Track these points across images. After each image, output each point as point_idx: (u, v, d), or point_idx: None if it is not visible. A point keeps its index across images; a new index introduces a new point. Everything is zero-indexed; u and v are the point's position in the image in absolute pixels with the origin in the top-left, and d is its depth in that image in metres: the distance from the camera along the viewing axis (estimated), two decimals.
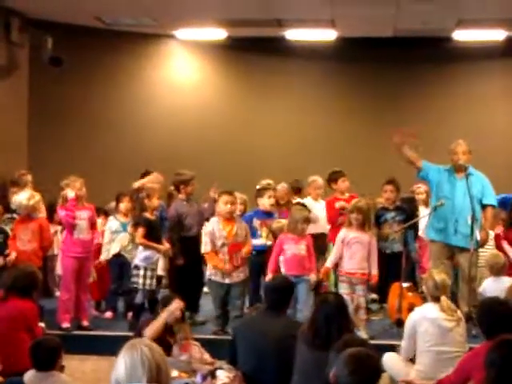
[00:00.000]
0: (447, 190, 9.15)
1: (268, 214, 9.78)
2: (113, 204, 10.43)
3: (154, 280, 9.01)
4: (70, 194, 9.07)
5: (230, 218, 8.86)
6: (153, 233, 9.11)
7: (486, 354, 4.65)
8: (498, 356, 4.54)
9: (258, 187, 10.13)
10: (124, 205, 9.88)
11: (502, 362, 4.47)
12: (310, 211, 9.44)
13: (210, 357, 7.07)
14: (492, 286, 8.56)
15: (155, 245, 9.06)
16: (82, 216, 9.08)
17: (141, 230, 9.09)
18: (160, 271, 9.10)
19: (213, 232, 8.78)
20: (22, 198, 9.07)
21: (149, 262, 9.01)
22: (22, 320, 6.94)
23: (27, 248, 8.96)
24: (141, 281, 8.98)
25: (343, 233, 8.97)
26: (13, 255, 8.81)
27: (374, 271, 8.90)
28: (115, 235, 9.89)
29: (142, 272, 8.98)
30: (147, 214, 9.17)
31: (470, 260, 8.69)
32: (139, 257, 9.08)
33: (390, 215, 10.06)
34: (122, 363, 3.86)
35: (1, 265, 8.95)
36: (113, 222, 9.96)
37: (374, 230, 10.20)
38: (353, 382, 4.19)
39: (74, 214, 9.01)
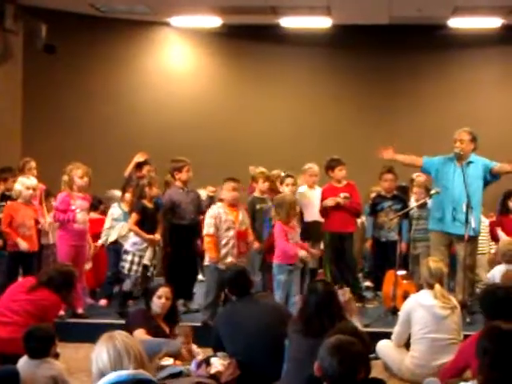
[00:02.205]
0: (446, 178, 9.12)
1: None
2: (110, 192, 10.42)
3: (141, 267, 8.99)
4: (77, 181, 9.09)
5: (234, 205, 8.78)
6: (147, 220, 9.08)
7: (477, 342, 4.65)
8: (489, 343, 4.53)
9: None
10: (129, 195, 9.83)
11: (494, 350, 4.47)
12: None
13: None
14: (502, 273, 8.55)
15: (144, 234, 9.01)
16: (79, 205, 9.05)
17: (134, 216, 9.09)
18: (146, 261, 9.03)
19: (218, 215, 8.67)
20: (26, 185, 9.09)
21: (136, 248, 8.99)
22: (41, 309, 6.96)
23: (31, 233, 9.05)
24: (127, 266, 8.99)
25: None
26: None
27: None
28: (115, 222, 9.85)
29: (130, 257, 8.99)
30: (145, 202, 9.15)
31: (465, 248, 8.67)
32: (129, 242, 9.12)
33: (386, 204, 10.07)
34: (104, 353, 3.94)
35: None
36: (115, 209, 9.94)
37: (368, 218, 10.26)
38: (338, 370, 4.19)
39: (66, 208, 9.02)
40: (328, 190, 9.98)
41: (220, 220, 8.64)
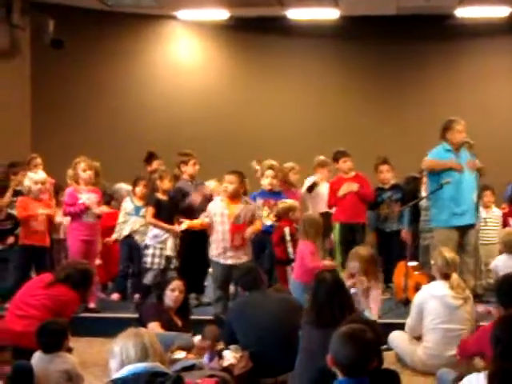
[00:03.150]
0: (453, 171, 8.96)
1: (271, 194, 9.66)
2: (117, 186, 10.44)
3: (163, 259, 8.99)
4: (81, 174, 9.11)
5: (235, 198, 8.75)
6: (162, 213, 9.07)
7: (491, 331, 4.65)
8: (502, 332, 4.53)
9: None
10: (140, 189, 9.82)
11: (507, 339, 4.46)
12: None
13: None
14: (505, 263, 8.53)
15: (164, 224, 9.03)
16: (86, 199, 9.06)
17: (150, 209, 9.10)
18: (169, 251, 9.05)
19: (213, 208, 8.70)
20: (34, 180, 9.12)
21: (157, 240, 9.00)
22: (59, 304, 6.97)
23: (42, 228, 9.07)
24: (149, 259, 9.00)
25: None
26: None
27: None
28: (128, 217, 9.86)
29: (151, 251, 9.01)
30: (159, 195, 9.16)
31: (476, 235, 8.68)
32: (149, 235, 9.12)
33: (386, 195, 10.08)
34: (131, 347, 4.09)
35: (12, 243, 9.18)
36: (128, 204, 9.90)
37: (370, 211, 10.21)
38: (351, 358, 4.20)
39: (73, 201, 9.04)
40: (336, 182, 9.98)
41: (215, 213, 8.64)
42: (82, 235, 9.04)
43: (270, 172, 9.64)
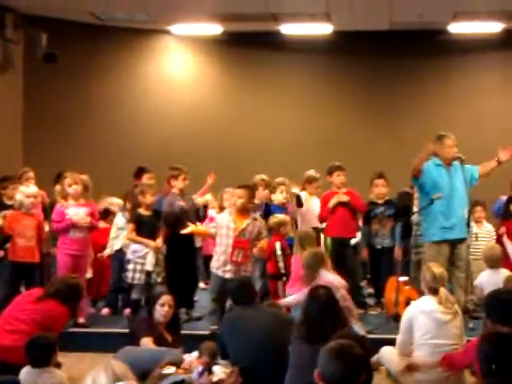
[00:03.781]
0: (446, 185, 8.92)
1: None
2: (108, 200, 10.41)
3: (144, 275, 8.96)
4: (69, 189, 9.10)
5: (244, 213, 8.74)
6: (144, 228, 9.07)
7: (477, 347, 4.64)
8: (490, 349, 4.52)
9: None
10: (129, 204, 9.81)
11: (494, 356, 4.45)
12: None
13: None
14: (489, 279, 8.52)
15: (143, 239, 9.02)
16: (74, 214, 9.04)
17: (130, 226, 9.14)
18: (149, 266, 9.00)
19: (220, 221, 8.74)
20: (26, 193, 9.09)
21: (136, 255, 8.98)
22: (48, 319, 6.95)
23: (31, 244, 9.02)
24: (130, 275, 9.00)
25: None
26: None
27: None
28: (120, 232, 9.84)
29: (131, 266, 9.01)
30: (141, 210, 9.14)
31: (467, 249, 8.67)
32: (129, 250, 9.11)
33: (379, 210, 10.06)
34: (102, 376, 3.91)
35: (0, 258, 9.06)
36: (120, 219, 9.90)
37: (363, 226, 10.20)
38: (339, 373, 4.16)
39: (61, 218, 9.04)
40: (328, 196, 9.98)
41: (221, 225, 8.68)
42: (69, 250, 9.03)
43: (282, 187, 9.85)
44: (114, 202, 10.48)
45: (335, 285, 7.38)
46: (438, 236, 8.86)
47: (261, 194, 9.92)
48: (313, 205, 10.14)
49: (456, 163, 8.97)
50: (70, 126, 13.66)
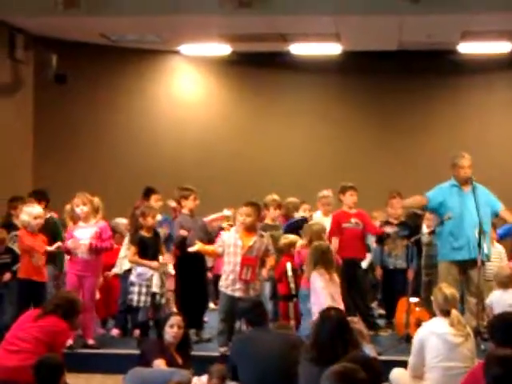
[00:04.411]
0: (456, 205, 9.04)
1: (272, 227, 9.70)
2: (115, 221, 10.38)
3: (149, 297, 8.91)
4: (76, 209, 9.15)
5: (251, 230, 8.73)
6: (147, 250, 9.03)
7: (485, 367, 4.61)
8: (496, 371, 4.49)
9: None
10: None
11: (500, 377, 4.44)
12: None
13: None
14: (499, 299, 8.49)
15: (146, 262, 8.95)
16: (84, 236, 9.05)
17: (132, 249, 9.09)
18: (155, 288, 8.97)
19: (228, 239, 8.73)
20: (33, 215, 9.10)
21: (142, 278, 8.92)
22: (50, 335, 6.94)
23: (39, 264, 9.01)
24: (135, 297, 8.92)
25: None
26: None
27: None
28: (129, 252, 9.79)
29: (136, 289, 8.93)
30: (142, 232, 9.11)
31: (479, 273, 8.60)
32: (134, 273, 9.04)
33: (392, 230, 10.02)
34: None
35: (8, 279, 9.08)
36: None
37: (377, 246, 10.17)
38: None
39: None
40: (338, 215, 9.96)
41: (229, 244, 8.65)
42: (75, 270, 9.07)
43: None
44: (120, 223, 10.46)
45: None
46: (447, 256, 9.05)
47: (272, 214, 9.91)
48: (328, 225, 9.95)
49: (475, 184, 9.01)
50: (79, 146, 13.68)
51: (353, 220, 9.85)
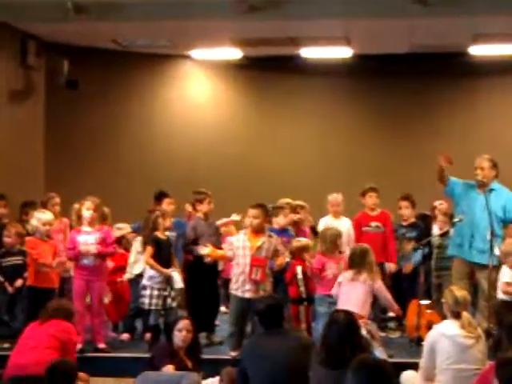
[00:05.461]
0: (467, 205, 9.11)
1: (282, 232, 9.65)
2: (117, 226, 10.40)
3: (161, 300, 8.93)
4: (86, 213, 9.17)
5: (258, 232, 8.75)
6: (162, 252, 9.05)
7: (495, 370, 4.61)
8: (508, 373, 4.49)
9: (272, 205, 10.01)
10: None
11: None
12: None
13: None
14: None
15: (160, 268, 8.98)
16: (89, 241, 9.10)
17: (149, 249, 9.05)
18: (176, 285, 8.99)
19: (237, 241, 8.77)
20: (42, 221, 9.16)
21: (154, 281, 8.95)
22: (61, 330, 7.17)
23: (49, 271, 9.12)
24: (147, 301, 8.94)
25: None
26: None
27: None
28: (140, 256, 9.83)
29: (148, 292, 8.95)
30: (158, 234, 9.14)
31: (488, 277, 8.57)
32: (145, 276, 9.06)
33: (401, 231, 10.02)
34: None
35: (20, 285, 9.11)
36: (139, 243, 9.91)
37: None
38: None
39: (73, 245, 9.17)
40: (360, 218, 10.01)
41: (238, 246, 8.69)
42: (82, 275, 9.12)
43: (286, 211, 9.76)
44: (121, 227, 10.48)
45: None
46: (451, 250, 9.31)
47: (287, 218, 9.88)
48: (340, 226, 9.87)
49: (496, 187, 9.04)
50: (92, 151, 13.69)
51: (373, 224, 9.86)
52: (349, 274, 8.45)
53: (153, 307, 8.92)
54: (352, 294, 8.31)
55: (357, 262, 8.48)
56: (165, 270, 8.96)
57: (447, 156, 9.09)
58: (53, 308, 7.43)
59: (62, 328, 7.21)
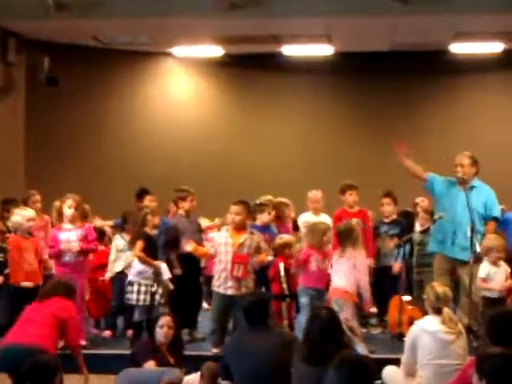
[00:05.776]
0: (448, 202, 9.12)
1: (265, 229, 9.66)
2: (97, 223, 10.39)
3: (148, 295, 8.90)
4: (67, 211, 9.13)
5: (240, 229, 8.74)
6: (151, 248, 9.03)
7: (476, 365, 4.63)
8: (488, 368, 4.51)
9: (256, 202, 10.02)
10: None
11: (492, 374, 4.45)
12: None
13: None
14: None
15: (150, 260, 8.91)
16: (71, 238, 9.08)
17: (140, 244, 8.91)
18: (165, 275, 8.97)
19: (219, 238, 8.75)
20: (26, 217, 9.11)
21: (142, 276, 8.88)
22: (60, 309, 7.23)
23: (32, 268, 9.01)
24: (134, 297, 8.85)
25: None
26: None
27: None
28: (120, 253, 9.81)
29: (135, 288, 8.87)
30: (147, 229, 9.12)
31: (469, 273, 8.61)
32: (132, 272, 8.95)
33: (383, 229, 10.04)
34: None
35: (0, 283, 9.03)
36: (119, 241, 9.86)
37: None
38: None
39: (54, 243, 9.12)
40: (339, 215, 10.00)
41: (219, 243, 8.68)
42: (63, 273, 9.04)
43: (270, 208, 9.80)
44: (98, 224, 10.46)
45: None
46: (431, 247, 9.33)
47: (263, 218, 9.88)
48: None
49: (476, 184, 9.06)
50: (72, 148, 13.67)
51: (354, 220, 9.87)
52: (337, 252, 8.56)
53: (140, 303, 8.82)
54: (340, 271, 8.43)
55: (342, 239, 8.58)
56: (155, 263, 8.90)
57: (400, 144, 9.20)
58: (51, 287, 7.47)
59: (62, 306, 7.26)
